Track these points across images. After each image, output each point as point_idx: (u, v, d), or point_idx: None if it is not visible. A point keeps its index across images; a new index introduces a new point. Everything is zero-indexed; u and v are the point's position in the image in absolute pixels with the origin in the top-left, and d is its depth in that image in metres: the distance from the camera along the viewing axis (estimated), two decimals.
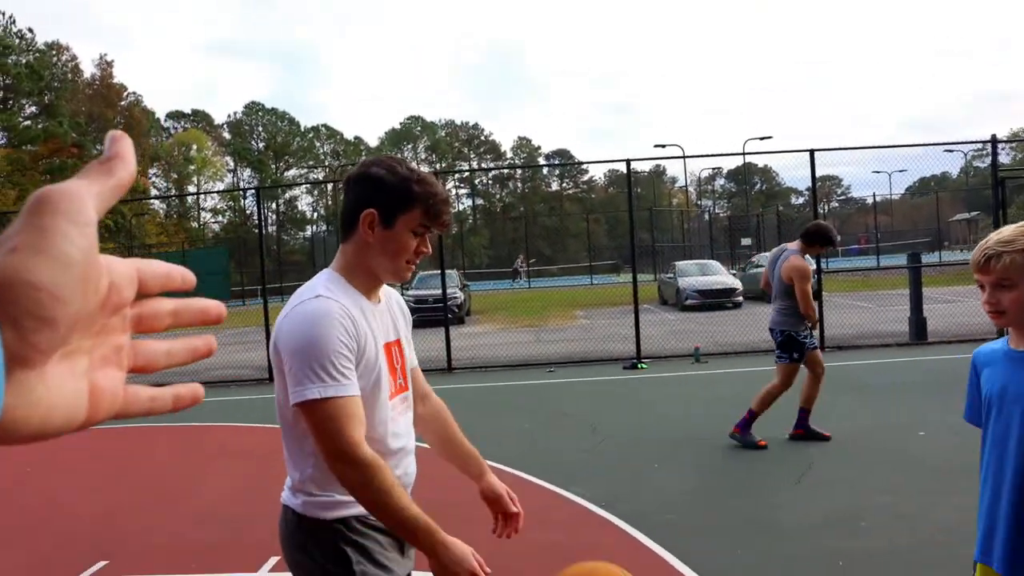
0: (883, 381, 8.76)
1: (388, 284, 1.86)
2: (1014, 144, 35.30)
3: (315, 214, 66.70)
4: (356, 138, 71.80)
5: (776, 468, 5.51)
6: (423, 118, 74.53)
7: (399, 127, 74.03)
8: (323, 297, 1.66)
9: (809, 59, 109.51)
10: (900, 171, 29.33)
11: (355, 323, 1.66)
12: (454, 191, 72.64)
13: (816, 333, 6.36)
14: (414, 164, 1.81)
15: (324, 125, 71.79)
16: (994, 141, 12.07)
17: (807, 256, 6.32)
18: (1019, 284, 1.84)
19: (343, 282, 1.74)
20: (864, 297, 20.98)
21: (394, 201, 1.68)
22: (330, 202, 64.36)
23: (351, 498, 1.66)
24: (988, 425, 1.96)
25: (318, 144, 71.00)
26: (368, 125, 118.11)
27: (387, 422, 1.78)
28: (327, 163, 68.97)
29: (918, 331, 11.76)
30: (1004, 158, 36.45)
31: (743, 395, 7.32)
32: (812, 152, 11.49)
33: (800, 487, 5.02)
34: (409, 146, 73.98)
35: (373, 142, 72.68)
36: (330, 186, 64.27)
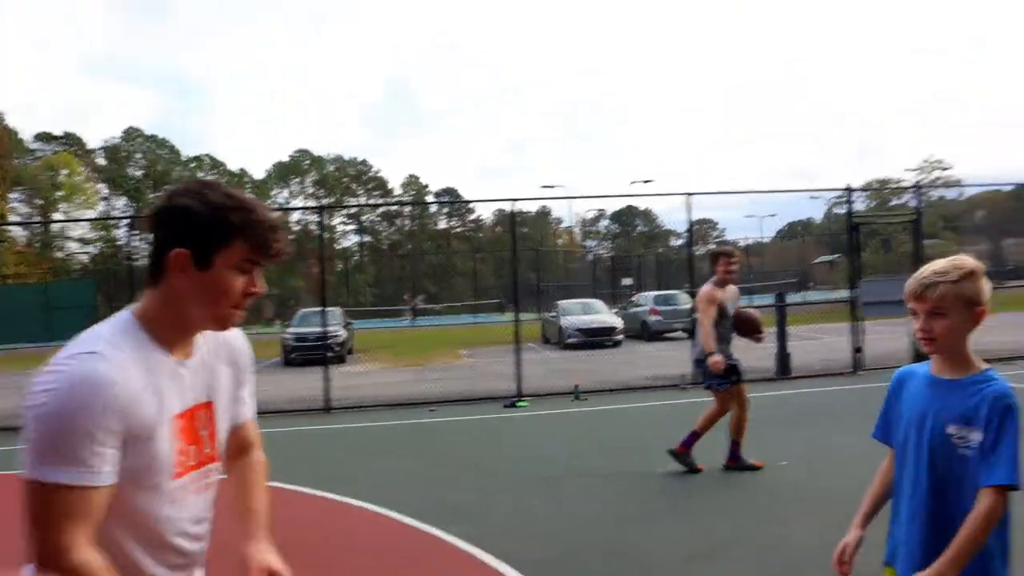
0: (751, 414, 9.11)
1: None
2: (868, 192, 38.18)
3: None
4: (241, 170, 69.84)
5: (653, 502, 5.61)
6: (311, 152, 73.40)
7: (287, 160, 72.57)
8: (97, 355, 1.33)
9: (692, 106, 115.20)
10: (771, 216, 31.12)
11: (130, 394, 1.34)
12: (341, 227, 71.60)
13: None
14: (239, 190, 1.49)
15: (207, 155, 69.59)
16: (849, 189, 13.02)
17: (726, 286, 6.51)
18: (950, 313, 1.96)
19: (138, 332, 1.42)
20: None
21: (209, 236, 1.40)
22: None
23: None
24: (907, 444, 2.08)
25: (200, 174, 68.52)
26: (254, 157, 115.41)
27: (170, 506, 1.46)
28: None
29: (782, 366, 12.37)
30: (860, 205, 39.27)
31: (621, 432, 7.52)
32: (688, 195, 12.01)
33: (675, 519, 5.13)
34: (296, 180, 72.57)
35: (259, 174, 70.90)
36: None
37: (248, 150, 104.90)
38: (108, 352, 1.35)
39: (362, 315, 43.96)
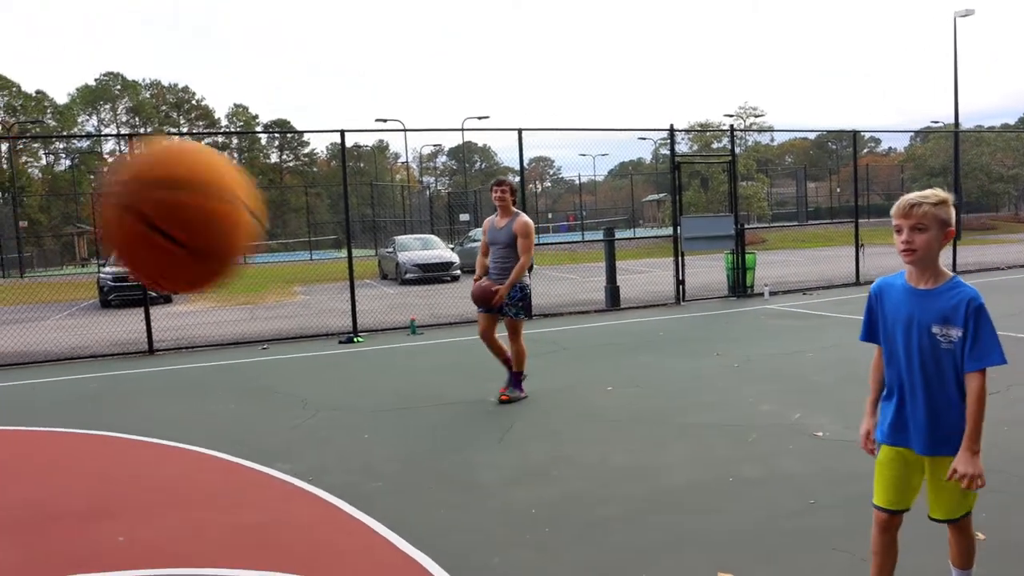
0: (581, 344, 9.56)
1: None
2: (692, 135, 40.22)
3: None
4: (39, 92, 62.94)
5: (481, 430, 5.78)
6: (123, 76, 67.35)
7: (94, 84, 66.20)
8: None
9: (533, 44, 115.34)
10: (603, 155, 32.11)
11: None
12: None
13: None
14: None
15: None
16: (672, 131, 13.62)
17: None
18: (930, 229, 2.41)
19: None
20: (570, 270, 22.70)
21: None
22: (5, 165, 55.97)
23: None
24: (894, 343, 2.55)
25: None
26: (54, 79, 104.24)
27: None
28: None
29: (613, 298, 12.99)
30: (684, 147, 41.29)
31: (457, 363, 7.63)
32: (520, 131, 12.14)
33: (501, 445, 5.32)
34: (108, 106, 66.59)
35: (61, 98, 64.31)
36: (4, 146, 55.87)
37: (46, 70, 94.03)
38: None
39: None
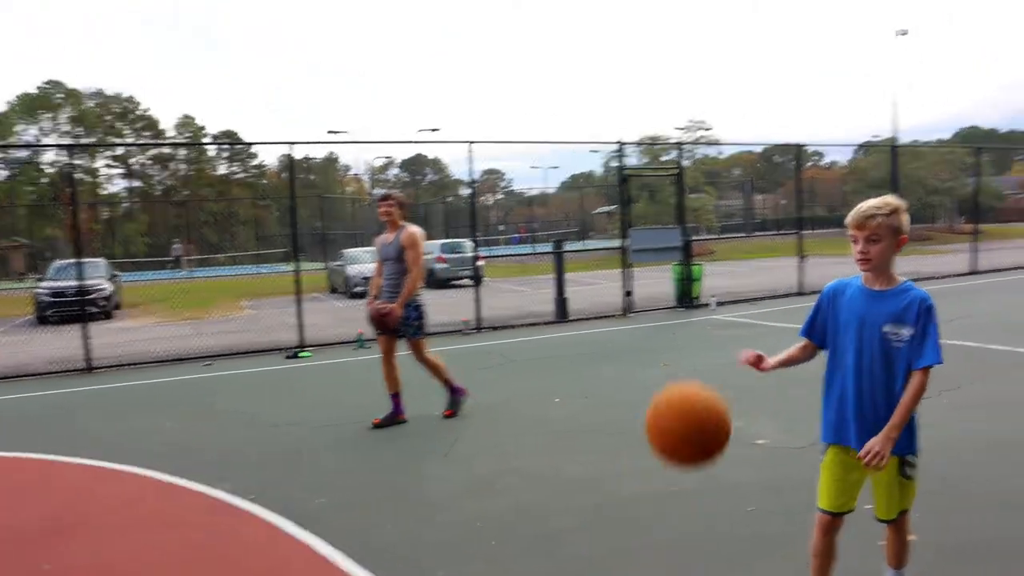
0: (529, 356, 9.58)
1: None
2: (641, 147, 40.78)
3: None
4: None
5: (427, 444, 5.75)
6: (65, 84, 65.50)
7: (36, 92, 64.22)
8: None
9: (498, 56, 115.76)
10: (554, 168, 32.36)
11: None
12: (106, 171, 65.09)
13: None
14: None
15: None
16: (620, 144, 13.80)
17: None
18: (883, 239, 2.52)
19: None
20: (522, 282, 22.76)
21: None
22: None
23: None
24: (845, 340, 2.63)
25: None
26: None
27: None
28: None
29: (561, 311, 13.05)
30: (634, 160, 41.83)
31: (405, 378, 7.53)
32: (471, 143, 12.15)
33: (448, 459, 5.29)
34: (49, 116, 64.66)
35: None
36: None
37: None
38: None
39: (134, 267, 40.60)
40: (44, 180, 59.80)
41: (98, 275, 18.42)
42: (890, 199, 2.56)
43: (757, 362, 2.81)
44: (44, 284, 18.33)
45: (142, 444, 6.12)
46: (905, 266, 18.24)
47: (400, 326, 6.22)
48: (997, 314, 11.12)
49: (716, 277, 17.87)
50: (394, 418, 6.31)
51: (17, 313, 19.78)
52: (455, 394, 6.52)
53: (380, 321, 6.21)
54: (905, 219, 2.55)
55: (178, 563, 3.75)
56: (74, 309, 14.11)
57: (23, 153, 59.47)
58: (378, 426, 6.22)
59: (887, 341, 2.54)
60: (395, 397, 6.36)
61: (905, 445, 2.60)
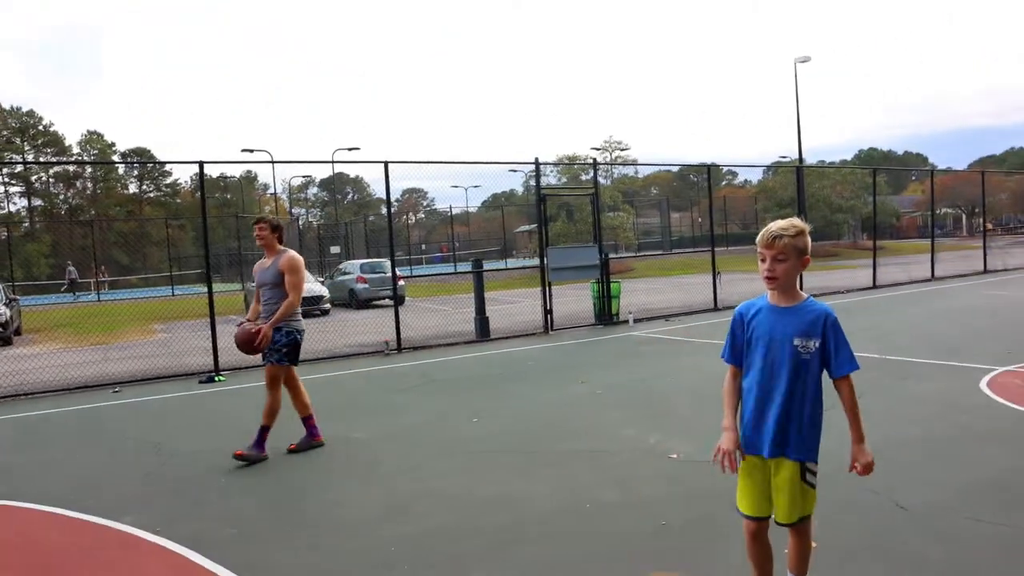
0: (449, 376, 9.56)
1: None
2: (560, 167, 41.29)
3: None
4: None
5: (344, 468, 5.67)
6: None
7: None
8: None
9: (419, 74, 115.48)
10: (475, 187, 32.44)
11: None
12: (3, 188, 61.96)
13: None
14: None
15: None
16: (537, 164, 13.98)
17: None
18: (790, 259, 2.67)
19: None
20: (443, 301, 22.68)
21: None
22: None
23: None
24: (757, 355, 2.76)
25: None
26: None
27: None
28: None
29: (482, 329, 13.08)
30: (553, 180, 42.34)
31: (320, 399, 7.45)
32: (386, 163, 12.11)
33: (364, 483, 5.23)
34: None
35: None
36: None
37: None
38: None
39: (36, 290, 38.70)
40: None
41: None
42: (796, 221, 2.72)
43: (731, 459, 2.77)
44: None
45: (43, 478, 5.83)
46: (814, 281, 19.05)
47: (268, 350, 5.95)
48: (896, 326, 11.68)
49: (635, 294, 18.25)
50: (310, 441, 6.19)
51: None
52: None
53: (247, 342, 5.86)
54: (808, 240, 2.70)
55: None
56: None
57: None
58: (294, 451, 6.10)
59: (797, 354, 2.69)
60: (307, 420, 6.23)
61: (807, 452, 2.74)
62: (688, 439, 5.75)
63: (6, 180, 61.32)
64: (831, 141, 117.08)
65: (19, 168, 61.96)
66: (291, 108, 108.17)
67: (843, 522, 3.94)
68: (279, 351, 6.00)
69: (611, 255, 15.96)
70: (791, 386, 2.69)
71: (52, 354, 14.65)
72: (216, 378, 10.15)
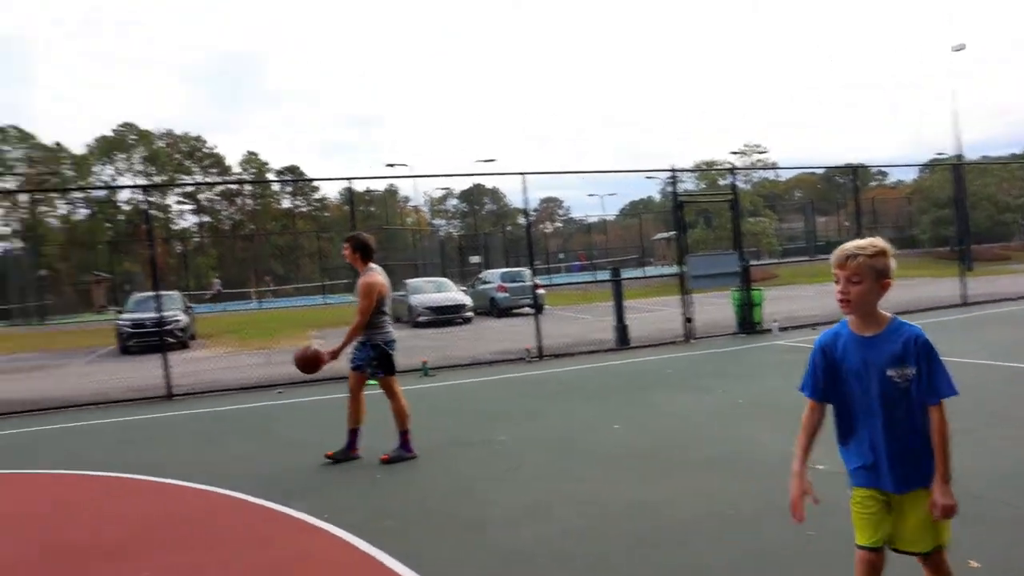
0: (589, 383, 9.72)
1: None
2: (697, 173, 40.65)
3: (6, 228, 58.59)
4: (56, 144, 63.99)
5: (487, 469, 5.94)
6: (137, 126, 68.60)
7: (111, 135, 67.44)
8: None
9: (557, 83, 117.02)
10: (611, 195, 32.51)
11: None
12: (178, 207, 67.72)
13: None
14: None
15: (13, 126, 62.97)
16: (674, 171, 13.93)
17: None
18: (865, 281, 2.47)
19: None
20: (584, 310, 22.86)
21: None
22: (25, 215, 56.99)
23: None
24: (852, 389, 2.58)
25: (7, 148, 61.84)
26: (71, 130, 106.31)
27: None
28: (17, 170, 60.53)
29: (622, 338, 13.15)
30: (691, 186, 41.71)
31: (465, 404, 7.83)
32: (524, 175, 12.45)
33: (506, 484, 5.48)
34: (123, 156, 67.76)
35: (78, 148, 65.46)
36: (24, 196, 56.94)
37: (64, 121, 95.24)
38: None
39: (209, 299, 42.06)
40: (120, 217, 62.52)
41: (174, 307, 19.27)
42: (877, 241, 2.52)
43: (802, 507, 2.68)
44: (125, 316, 19.25)
45: (222, 466, 6.48)
46: (979, 287, 17.76)
47: (362, 364, 6.40)
48: None
49: (779, 302, 17.73)
50: (347, 453, 6.43)
51: (100, 343, 20.80)
52: (404, 447, 6.38)
53: (304, 363, 6.32)
54: (890, 262, 2.49)
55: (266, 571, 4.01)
56: (153, 339, 14.84)
57: (101, 193, 62.30)
58: (331, 459, 6.33)
59: (894, 384, 2.49)
60: (352, 432, 6.49)
61: (931, 478, 2.53)
62: (835, 449, 5.62)
63: (179, 199, 66.91)
64: (995, 134, 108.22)
65: (189, 188, 67.48)
66: (433, 121, 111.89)
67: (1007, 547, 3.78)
68: (371, 364, 6.40)
69: (753, 262, 15.60)
70: (896, 418, 2.50)
71: (223, 357, 15.98)
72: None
